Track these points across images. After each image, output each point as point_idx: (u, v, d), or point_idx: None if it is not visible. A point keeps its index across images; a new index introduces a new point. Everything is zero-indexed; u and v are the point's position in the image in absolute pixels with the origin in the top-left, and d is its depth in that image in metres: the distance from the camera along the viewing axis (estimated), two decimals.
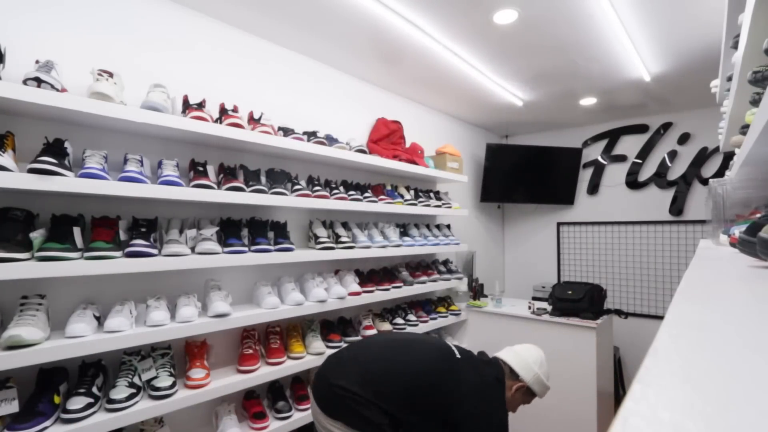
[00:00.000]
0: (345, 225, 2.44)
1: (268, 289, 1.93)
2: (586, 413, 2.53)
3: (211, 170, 1.76)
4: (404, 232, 2.78)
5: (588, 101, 3.33)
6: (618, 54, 2.42)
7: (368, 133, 2.83)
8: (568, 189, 4.05)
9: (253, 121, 1.91)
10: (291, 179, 2.09)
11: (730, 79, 1.35)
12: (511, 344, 1.67)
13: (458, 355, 1.52)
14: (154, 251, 1.48)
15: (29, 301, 1.30)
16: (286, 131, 2.05)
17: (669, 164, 3.62)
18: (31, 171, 1.22)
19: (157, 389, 1.45)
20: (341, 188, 2.35)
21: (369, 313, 2.44)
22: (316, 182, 2.22)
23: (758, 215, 1.26)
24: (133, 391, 1.40)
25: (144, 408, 1.38)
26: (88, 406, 1.28)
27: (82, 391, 1.31)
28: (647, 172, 3.74)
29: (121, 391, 1.37)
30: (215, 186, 1.70)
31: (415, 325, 2.61)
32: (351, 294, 2.21)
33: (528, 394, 1.57)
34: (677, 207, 3.56)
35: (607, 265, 3.90)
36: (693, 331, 0.40)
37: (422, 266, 2.93)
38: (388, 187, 2.73)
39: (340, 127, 2.63)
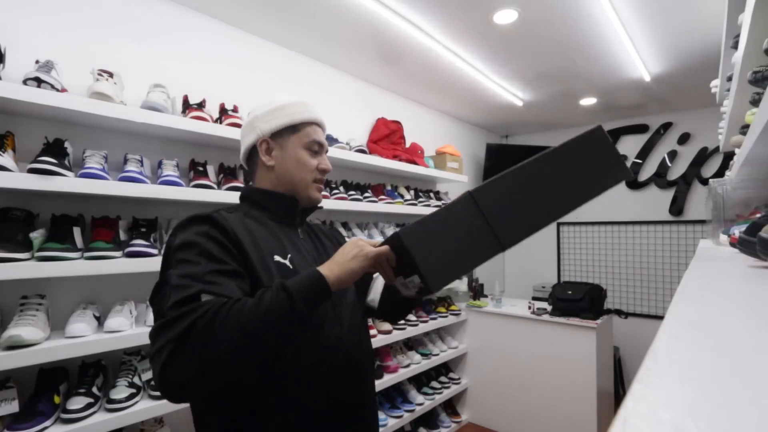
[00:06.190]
0: (345, 225, 2.44)
1: None
2: (586, 413, 2.53)
3: (211, 170, 1.75)
4: None
5: (588, 101, 3.33)
6: (618, 54, 2.42)
7: (368, 133, 2.83)
8: None
9: None
10: None
11: (730, 79, 1.35)
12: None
13: None
14: (154, 251, 1.48)
15: (29, 301, 1.30)
16: None
17: (669, 164, 3.62)
18: (31, 171, 1.22)
19: None
20: (341, 188, 2.35)
21: None
22: None
23: (758, 215, 1.26)
24: (133, 391, 1.40)
25: (144, 408, 1.38)
26: (88, 406, 1.28)
27: (82, 391, 1.31)
28: (647, 172, 3.74)
29: (121, 391, 1.37)
30: (215, 186, 1.70)
31: (415, 325, 2.60)
32: None
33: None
34: (677, 207, 3.56)
35: (607, 265, 3.90)
36: (693, 331, 0.40)
37: None
38: (388, 187, 2.73)
39: (340, 127, 2.62)
